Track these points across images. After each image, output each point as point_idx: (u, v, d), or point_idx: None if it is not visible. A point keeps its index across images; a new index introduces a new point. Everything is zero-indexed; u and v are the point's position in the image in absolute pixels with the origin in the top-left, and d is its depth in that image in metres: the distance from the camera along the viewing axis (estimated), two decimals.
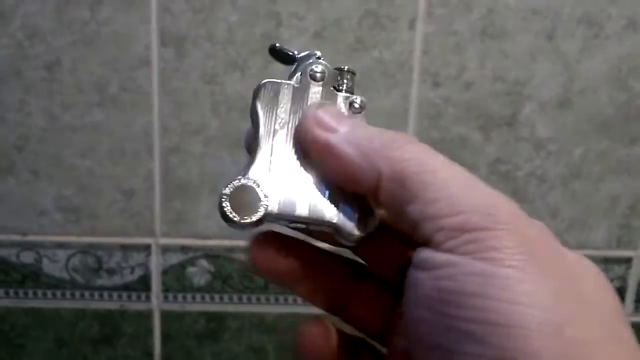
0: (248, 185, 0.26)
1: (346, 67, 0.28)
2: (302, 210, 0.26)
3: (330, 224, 0.26)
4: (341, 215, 0.26)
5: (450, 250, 0.22)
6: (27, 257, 0.69)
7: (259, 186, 0.26)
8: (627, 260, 0.71)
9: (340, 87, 0.28)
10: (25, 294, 0.70)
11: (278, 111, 0.27)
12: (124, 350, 0.72)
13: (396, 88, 0.65)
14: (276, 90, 0.27)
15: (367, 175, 0.24)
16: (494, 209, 0.22)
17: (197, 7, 0.62)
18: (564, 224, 0.69)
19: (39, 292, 0.70)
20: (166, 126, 0.65)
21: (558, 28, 0.64)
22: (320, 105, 0.27)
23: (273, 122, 0.27)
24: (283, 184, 0.26)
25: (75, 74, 0.64)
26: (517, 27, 0.64)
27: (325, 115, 0.26)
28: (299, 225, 0.27)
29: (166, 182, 0.67)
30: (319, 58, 0.28)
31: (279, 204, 0.26)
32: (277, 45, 0.29)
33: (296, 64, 0.28)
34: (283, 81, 0.28)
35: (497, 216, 0.22)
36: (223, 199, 0.26)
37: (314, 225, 0.27)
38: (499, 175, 0.67)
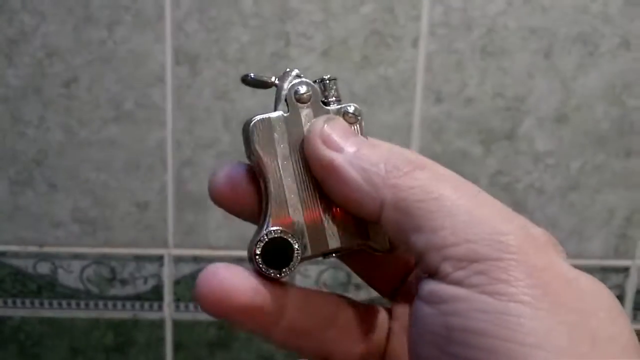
0: (277, 238, 0.25)
1: (327, 77, 0.27)
2: (333, 243, 0.25)
3: (361, 245, 0.26)
4: (371, 232, 0.26)
5: (458, 283, 0.21)
6: (43, 268, 0.71)
7: (287, 235, 0.25)
8: (625, 270, 0.73)
9: (329, 99, 0.26)
10: (41, 304, 0.72)
11: (277, 148, 0.25)
12: (136, 358, 0.74)
13: (400, 104, 0.67)
14: (268, 126, 0.25)
15: (370, 202, 0.23)
16: (501, 236, 0.21)
17: (210, 27, 0.65)
18: (563, 234, 0.71)
19: (55, 302, 0.72)
20: (179, 141, 0.68)
21: (555, 46, 0.66)
22: (328, 119, 0.25)
23: (277, 161, 0.25)
24: (307, 222, 0.25)
25: (92, 91, 0.66)
26: (515, 45, 0.66)
27: (332, 132, 0.25)
28: (332, 256, 0.27)
29: (179, 194, 0.69)
30: (298, 76, 0.26)
31: (310, 245, 0.25)
32: (250, 75, 0.27)
33: (277, 88, 0.26)
34: (271, 115, 0.25)
35: (505, 244, 0.21)
36: (257, 260, 0.24)
37: (347, 251, 0.26)
38: (499, 187, 0.69)
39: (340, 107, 0.26)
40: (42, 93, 0.66)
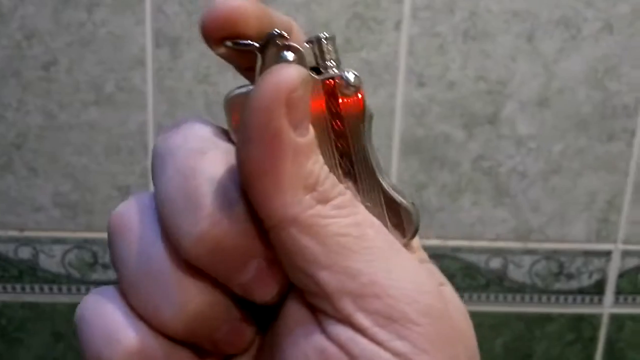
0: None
1: (323, 35, 0.22)
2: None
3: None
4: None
5: (379, 343, 0.19)
6: (24, 253, 0.71)
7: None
8: (607, 254, 0.73)
9: (325, 63, 0.21)
10: (23, 288, 0.72)
11: None
12: None
13: (383, 88, 0.67)
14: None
15: (279, 207, 0.19)
16: (422, 295, 0.19)
17: (191, 9, 0.65)
18: (545, 218, 0.71)
19: (36, 287, 0.72)
20: (161, 124, 0.67)
21: (537, 30, 0.66)
22: (296, 71, 0.19)
23: None
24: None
25: (72, 73, 0.66)
26: (498, 29, 0.66)
27: (299, 101, 0.19)
28: None
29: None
30: (280, 36, 0.21)
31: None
32: (227, 43, 0.21)
33: (259, 55, 0.21)
34: (251, 86, 0.21)
35: (426, 306, 0.19)
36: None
37: None
38: (482, 172, 0.70)
39: (335, 75, 0.21)
40: (21, 76, 0.66)
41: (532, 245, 0.72)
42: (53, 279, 0.72)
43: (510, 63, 0.67)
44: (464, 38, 0.66)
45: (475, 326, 0.71)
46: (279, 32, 0.21)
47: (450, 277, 0.71)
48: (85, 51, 0.65)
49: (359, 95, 0.21)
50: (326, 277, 0.19)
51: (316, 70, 0.21)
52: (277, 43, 0.21)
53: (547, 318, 0.74)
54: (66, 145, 0.68)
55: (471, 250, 0.72)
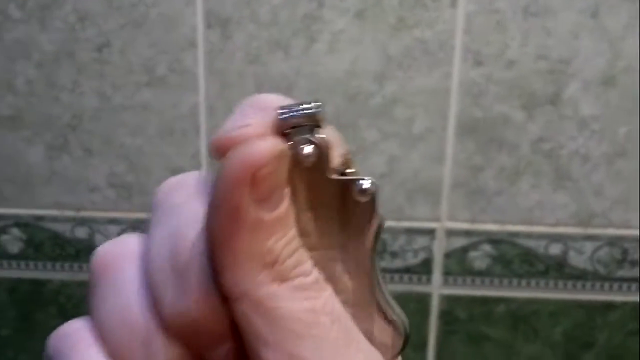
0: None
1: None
2: None
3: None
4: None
5: None
6: (81, 232, 0.72)
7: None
8: None
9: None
10: (80, 267, 0.74)
11: None
12: None
13: (438, 67, 0.65)
14: None
15: (236, 281, 0.18)
16: None
17: None
18: (608, 202, 0.68)
19: None
20: (212, 106, 0.67)
21: (602, 5, 0.63)
22: (268, 146, 0.18)
23: None
24: None
25: (125, 55, 0.66)
26: (560, 4, 0.63)
27: (266, 178, 0.18)
28: None
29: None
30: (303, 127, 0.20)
31: None
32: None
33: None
34: None
35: None
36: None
37: None
38: (542, 154, 0.67)
39: (352, 180, 0.20)
40: (75, 58, 0.66)
41: (594, 230, 0.69)
42: None
43: (573, 40, 0.64)
44: (524, 14, 0.63)
45: (533, 313, 0.70)
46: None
47: (508, 263, 0.70)
48: (138, 33, 0.65)
49: (373, 203, 0.20)
50: (269, 358, 0.18)
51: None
52: (299, 134, 0.20)
53: (609, 306, 0.72)
54: (120, 127, 0.68)
55: (530, 235, 0.69)
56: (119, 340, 0.20)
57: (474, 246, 0.70)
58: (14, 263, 0.74)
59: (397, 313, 0.21)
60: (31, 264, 0.74)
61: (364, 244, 0.21)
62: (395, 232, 0.70)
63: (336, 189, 0.20)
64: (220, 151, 0.19)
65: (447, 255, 0.70)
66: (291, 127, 0.20)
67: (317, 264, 0.20)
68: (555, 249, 0.70)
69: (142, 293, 0.20)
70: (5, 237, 0.73)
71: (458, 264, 0.71)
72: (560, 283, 0.71)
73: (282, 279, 0.19)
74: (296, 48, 0.65)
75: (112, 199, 0.71)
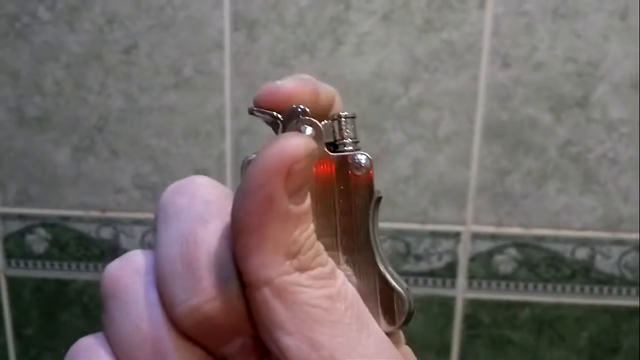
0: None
1: (344, 114, 0.22)
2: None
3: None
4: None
5: None
6: (106, 233, 0.73)
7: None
8: None
9: (342, 140, 0.22)
10: (104, 268, 0.74)
11: None
12: None
13: (465, 69, 0.64)
14: None
15: (258, 266, 0.19)
16: None
17: None
18: (636, 207, 0.67)
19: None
20: (238, 108, 0.67)
21: (631, 7, 0.62)
22: (304, 143, 0.19)
23: None
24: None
25: (152, 57, 0.66)
26: (589, 6, 0.63)
27: (299, 172, 0.19)
28: None
29: (237, 162, 0.69)
30: (303, 112, 0.22)
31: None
32: (254, 109, 0.23)
33: (281, 127, 0.22)
34: None
35: None
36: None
37: None
38: (569, 157, 0.66)
39: (347, 154, 0.22)
40: (103, 59, 0.67)
41: (621, 235, 0.68)
42: None
43: (602, 43, 0.63)
44: (553, 16, 0.63)
45: (559, 318, 0.69)
46: (302, 108, 0.22)
47: (534, 267, 0.69)
48: (165, 35, 0.66)
49: (369, 177, 0.22)
50: (289, 343, 0.19)
51: (333, 145, 0.22)
52: (299, 117, 0.22)
53: (635, 312, 0.71)
54: (146, 128, 0.68)
55: (556, 239, 0.69)
56: (133, 353, 0.20)
57: (499, 250, 0.69)
58: (39, 263, 0.74)
59: (402, 286, 0.22)
60: (56, 264, 0.74)
61: (364, 220, 0.22)
62: (419, 235, 0.69)
63: (334, 168, 0.22)
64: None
65: (472, 259, 0.70)
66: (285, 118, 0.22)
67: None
68: (582, 254, 0.69)
69: (152, 304, 0.20)
70: (31, 237, 0.73)
71: (483, 268, 0.70)
72: (587, 288, 0.70)
73: (304, 268, 0.20)
74: (322, 50, 0.65)
75: (137, 200, 0.71)
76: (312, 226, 0.20)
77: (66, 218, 0.72)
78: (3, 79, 0.68)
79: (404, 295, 0.22)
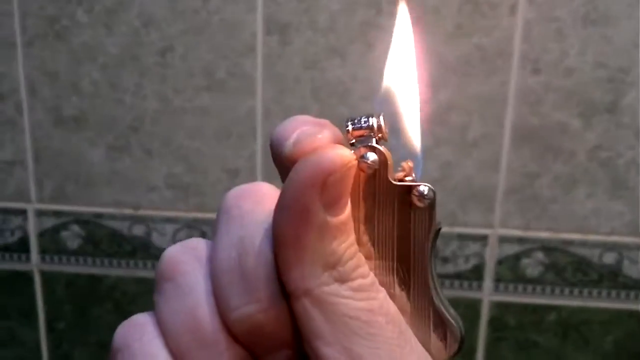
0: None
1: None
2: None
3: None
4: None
5: None
6: (138, 230, 0.74)
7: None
8: None
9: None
10: (136, 264, 0.75)
11: None
12: None
13: (495, 74, 0.65)
14: None
15: (298, 279, 0.20)
16: None
17: None
18: None
19: (149, 263, 0.75)
20: (269, 110, 0.68)
21: None
22: (339, 155, 0.20)
23: None
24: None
25: (187, 59, 0.68)
26: (621, 13, 0.63)
27: (335, 184, 0.20)
28: None
29: (268, 163, 0.70)
30: (370, 139, 0.22)
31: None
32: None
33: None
34: None
35: None
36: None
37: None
38: (598, 162, 0.66)
39: (411, 185, 0.22)
40: (139, 61, 0.68)
41: None
42: None
43: (633, 49, 0.63)
44: (584, 22, 0.63)
45: (585, 322, 0.69)
46: (373, 133, 0.22)
47: (561, 271, 0.69)
48: (199, 38, 0.67)
49: (431, 208, 0.21)
50: (328, 353, 0.19)
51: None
52: (365, 142, 0.22)
53: None
54: (180, 129, 0.70)
55: (584, 244, 0.69)
56: (183, 339, 0.21)
57: (526, 253, 0.70)
58: (72, 259, 0.76)
59: (454, 316, 0.22)
60: (89, 259, 0.76)
61: (422, 250, 0.22)
62: (447, 237, 0.70)
63: (395, 196, 0.22)
64: (290, 160, 0.21)
65: (499, 262, 0.70)
66: (356, 138, 0.22)
67: (373, 271, 0.21)
68: (609, 258, 0.69)
69: (208, 296, 0.21)
70: (65, 233, 0.75)
71: (510, 271, 0.71)
72: (614, 292, 0.70)
73: (343, 279, 0.20)
74: (353, 54, 0.66)
75: (169, 198, 0.72)
76: (352, 238, 0.21)
77: (100, 215, 0.74)
78: (42, 79, 0.70)
79: (456, 327, 0.22)
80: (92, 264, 0.76)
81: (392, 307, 0.21)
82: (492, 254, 0.70)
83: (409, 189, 0.21)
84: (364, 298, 0.20)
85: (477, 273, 0.71)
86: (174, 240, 0.74)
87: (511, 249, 0.70)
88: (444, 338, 0.22)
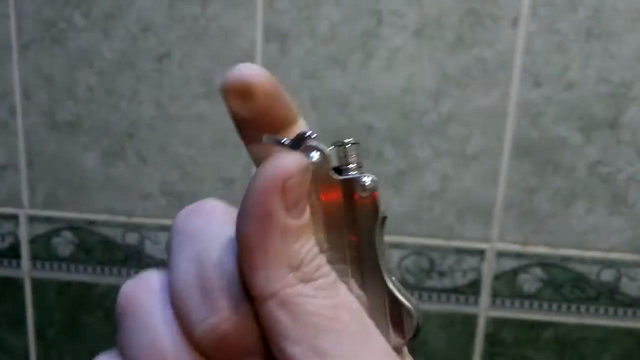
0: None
1: (348, 141, 0.23)
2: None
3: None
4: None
5: None
6: (131, 238, 0.73)
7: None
8: None
9: (346, 166, 0.23)
10: (128, 273, 0.74)
11: None
12: None
13: (496, 87, 0.64)
14: None
15: (263, 283, 0.20)
16: None
17: (301, 5, 0.64)
18: None
19: (140, 272, 0.74)
20: None
21: None
22: (295, 159, 0.21)
23: None
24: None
25: (184, 66, 0.67)
26: (623, 27, 0.62)
27: (294, 187, 0.20)
28: None
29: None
30: (310, 137, 0.23)
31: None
32: (264, 136, 0.24)
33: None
34: None
35: None
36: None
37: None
38: (599, 178, 0.66)
39: (353, 178, 0.23)
40: (136, 67, 0.67)
41: None
42: (157, 265, 0.73)
43: (635, 64, 0.63)
44: (586, 36, 0.63)
45: (582, 340, 0.68)
46: (309, 134, 0.23)
47: (558, 287, 0.68)
48: (197, 45, 0.66)
49: (374, 198, 0.22)
50: (295, 352, 0.20)
51: (339, 170, 0.23)
52: (306, 143, 0.23)
53: None
54: (175, 136, 0.69)
55: (582, 260, 0.68)
56: None
57: (524, 269, 0.69)
58: (63, 265, 0.75)
59: (408, 298, 0.23)
60: (81, 267, 0.75)
61: (370, 240, 0.23)
62: (444, 251, 0.69)
63: (341, 190, 0.23)
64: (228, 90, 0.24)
65: (497, 277, 0.69)
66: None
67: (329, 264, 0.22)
68: (607, 275, 0.68)
69: (167, 323, 0.21)
70: (57, 239, 0.74)
71: (507, 286, 0.70)
72: (611, 310, 0.70)
73: (307, 279, 0.20)
74: (353, 64, 0.65)
75: (163, 206, 0.71)
76: (313, 239, 0.21)
77: (93, 222, 0.73)
78: (37, 83, 0.69)
79: (412, 309, 0.23)
80: (83, 272, 0.75)
81: (354, 302, 0.21)
82: (489, 268, 0.69)
83: (352, 182, 0.22)
84: (328, 296, 0.21)
85: (474, 288, 0.70)
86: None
87: (509, 265, 0.69)
88: (400, 322, 0.23)
